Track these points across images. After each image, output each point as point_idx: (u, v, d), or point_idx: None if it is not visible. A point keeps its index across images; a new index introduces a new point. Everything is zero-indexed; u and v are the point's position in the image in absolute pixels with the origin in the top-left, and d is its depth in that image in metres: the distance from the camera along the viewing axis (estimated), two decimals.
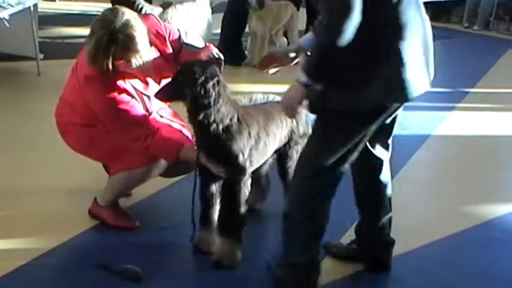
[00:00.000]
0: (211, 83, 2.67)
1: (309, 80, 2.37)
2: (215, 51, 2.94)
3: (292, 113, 2.55)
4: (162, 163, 3.06)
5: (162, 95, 2.81)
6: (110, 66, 2.78)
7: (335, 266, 2.97)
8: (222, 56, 2.94)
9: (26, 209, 3.31)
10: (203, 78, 2.66)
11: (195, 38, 3.12)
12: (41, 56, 5.79)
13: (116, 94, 2.89)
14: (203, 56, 2.89)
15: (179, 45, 3.06)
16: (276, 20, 6.74)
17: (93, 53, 2.77)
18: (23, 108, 4.82)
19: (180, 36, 3.07)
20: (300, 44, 2.72)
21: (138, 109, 2.96)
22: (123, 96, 2.91)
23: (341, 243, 3.09)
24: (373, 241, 2.95)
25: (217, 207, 2.94)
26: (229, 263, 2.89)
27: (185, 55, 3.03)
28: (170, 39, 3.04)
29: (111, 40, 2.73)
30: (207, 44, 3.11)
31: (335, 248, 3.05)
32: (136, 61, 2.81)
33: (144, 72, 2.96)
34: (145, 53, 2.84)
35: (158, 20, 3.04)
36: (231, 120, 2.76)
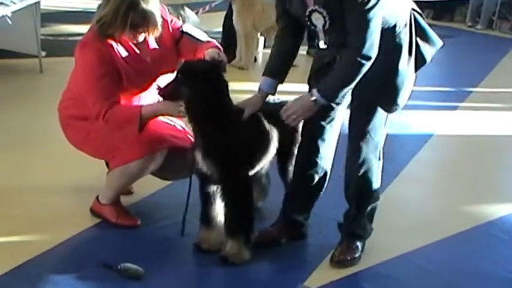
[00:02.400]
0: (210, 85, 2.67)
1: (330, 99, 2.62)
2: (218, 51, 2.93)
3: (295, 122, 2.75)
4: (158, 156, 3.04)
5: (163, 93, 2.82)
6: (125, 33, 2.88)
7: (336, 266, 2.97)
8: (224, 58, 2.93)
9: (27, 207, 3.30)
10: (202, 79, 2.67)
11: (197, 31, 3.13)
12: (43, 53, 5.78)
13: (104, 68, 2.90)
14: (207, 56, 2.88)
15: (179, 34, 3.09)
16: (262, 18, 6.36)
17: (110, 17, 2.85)
18: (25, 105, 4.81)
19: (181, 26, 3.12)
20: (263, 89, 2.85)
21: (118, 82, 2.96)
22: (110, 73, 2.92)
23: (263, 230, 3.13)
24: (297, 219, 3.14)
25: (217, 206, 2.92)
26: (235, 261, 2.88)
27: (185, 44, 3.07)
28: (172, 25, 3.08)
29: (131, 6, 2.82)
30: (210, 40, 3.12)
31: (258, 237, 3.04)
32: (150, 32, 2.91)
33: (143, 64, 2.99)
34: (159, 25, 2.92)
35: (163, 7, 3.08)
36: (231, 121, 2.75)
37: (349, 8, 2.48)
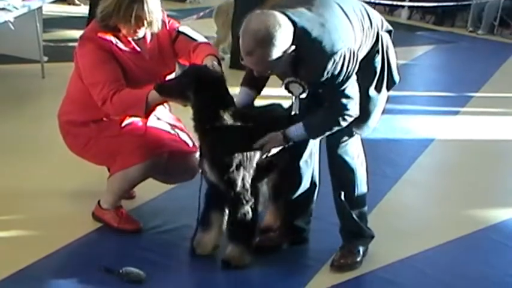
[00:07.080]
0: (212, 93, 2.69)
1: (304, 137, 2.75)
2: (214, 59, 2.93)
3: (266, 153, 2.79)
4: (158, 160, 3.05)
5: (163, 92, 2.81)
6: (128, 26, 2.90)
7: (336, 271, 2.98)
8: (218, 68, 2.90)
9: (29, 211, 3.31)
10: (206, 87, 2.68)
11: (193, 32, 3.17)
12: (45, 58, 5.80)
13: (106, 55, 2.92)
14: (207, 61, 2.89)
15: (176, 33, 3.12)
16: None
17: (113, 8, 2.88)
18: (27, 110, 4.82)
19: (178, 27, 3.16)
20: (239, 102, 2.85)
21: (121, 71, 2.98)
22: (112, 60, 2.95)
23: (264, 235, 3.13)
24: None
25: (218, 211, 2.93)
26: (238, 264, 2.89)
27: (181, 42, 3.10)
28: (169, 25, 3.12)
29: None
30: (206, 40, 3.15)
31: (259, 242, 3.05)
32: (151, 26, 2.94)
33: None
34: (160, 19, 2.97)
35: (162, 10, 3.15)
36: (233, 127, 2.76)
37: (330, 84, 2.57)
